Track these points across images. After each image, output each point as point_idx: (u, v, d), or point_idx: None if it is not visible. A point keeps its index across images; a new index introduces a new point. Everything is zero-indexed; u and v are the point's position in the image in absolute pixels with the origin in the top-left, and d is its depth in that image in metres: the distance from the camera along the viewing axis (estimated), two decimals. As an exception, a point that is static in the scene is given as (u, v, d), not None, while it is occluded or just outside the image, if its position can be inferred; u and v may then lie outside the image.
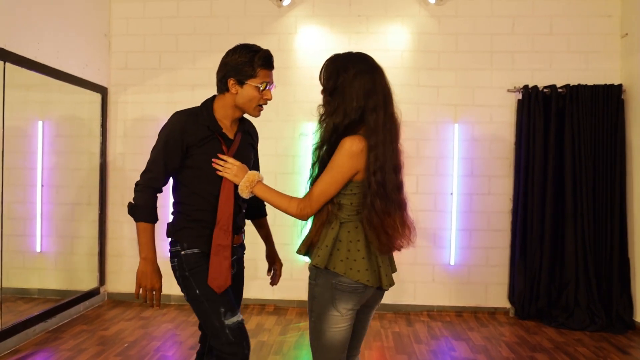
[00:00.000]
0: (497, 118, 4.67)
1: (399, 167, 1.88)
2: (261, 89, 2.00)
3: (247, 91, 1.99)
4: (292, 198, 1.90)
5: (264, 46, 2.05)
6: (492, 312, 4.65)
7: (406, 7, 4.70)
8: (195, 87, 4.79)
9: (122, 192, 4.83)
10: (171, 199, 2.12)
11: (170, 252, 2.08)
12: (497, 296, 4.67)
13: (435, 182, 4.68)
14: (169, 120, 2.04)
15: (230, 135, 2.08)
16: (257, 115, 2.09)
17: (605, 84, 4.46)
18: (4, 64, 3.45)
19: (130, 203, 2.01)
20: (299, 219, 1.89)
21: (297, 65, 4.72)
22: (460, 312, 4.65)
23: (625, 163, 4.44)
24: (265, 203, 2.31)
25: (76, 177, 4.75)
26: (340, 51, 1.94)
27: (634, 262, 4.38)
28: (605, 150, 4.44)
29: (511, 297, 4.58)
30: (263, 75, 1.99)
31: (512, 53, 4.65)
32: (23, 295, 4.21)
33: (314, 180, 1.89)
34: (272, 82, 2.04)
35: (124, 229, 4.84)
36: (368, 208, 1.79)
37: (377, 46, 4.67)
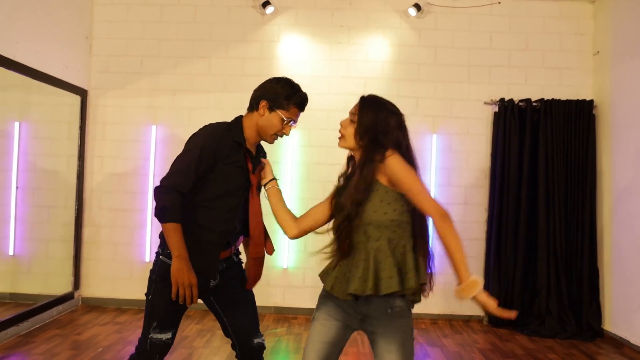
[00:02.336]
0: (474, 130, 4.78)
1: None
2: (285, 122, 2.13)
3: (273, 118, 2.12)
4: (296, 219, 2.03)
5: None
6: (467, 320, 4.72)
7: (387, 19, 4.80)
8: (177, 92, 4.79)
9: (99, 196, 4.79)
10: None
11: (157, 251, 2.15)
12: (472, 304, 4.67)
13: (413, 191, 4.74)
14: (204, 130, 2.11)
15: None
16: (271, 142, 2.21)
17: (578, 99, 4.62)
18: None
19: (157, 205, 2.01)
20: (294, 238, 2.06)
21: (278, 73, 4.61)
22: (435, 320, 4.71)
23: (596, 176, 4.59)
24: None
25: (52, 180, 4.68)
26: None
27: (602, 272, 4.51)
28: (577, 163, 4.58)
29: (485, 305, 4.65)
30: (292, 113, 2.14)
31: (489, 67, 4.79)
32: (-6, 299, 4.14)
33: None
34: (296, 122, 2.19)
35: (100, 233, 4.79)
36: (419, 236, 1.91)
37: (358, 57, 4.75)
